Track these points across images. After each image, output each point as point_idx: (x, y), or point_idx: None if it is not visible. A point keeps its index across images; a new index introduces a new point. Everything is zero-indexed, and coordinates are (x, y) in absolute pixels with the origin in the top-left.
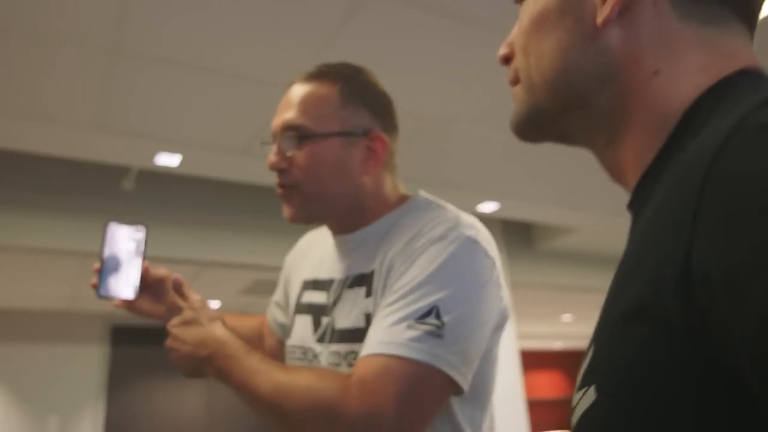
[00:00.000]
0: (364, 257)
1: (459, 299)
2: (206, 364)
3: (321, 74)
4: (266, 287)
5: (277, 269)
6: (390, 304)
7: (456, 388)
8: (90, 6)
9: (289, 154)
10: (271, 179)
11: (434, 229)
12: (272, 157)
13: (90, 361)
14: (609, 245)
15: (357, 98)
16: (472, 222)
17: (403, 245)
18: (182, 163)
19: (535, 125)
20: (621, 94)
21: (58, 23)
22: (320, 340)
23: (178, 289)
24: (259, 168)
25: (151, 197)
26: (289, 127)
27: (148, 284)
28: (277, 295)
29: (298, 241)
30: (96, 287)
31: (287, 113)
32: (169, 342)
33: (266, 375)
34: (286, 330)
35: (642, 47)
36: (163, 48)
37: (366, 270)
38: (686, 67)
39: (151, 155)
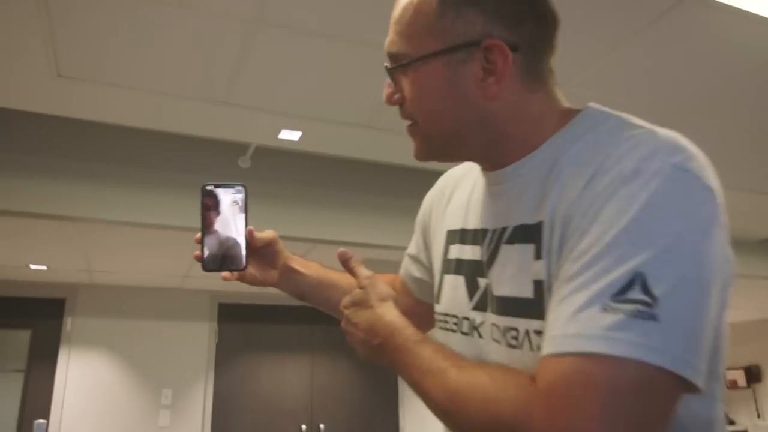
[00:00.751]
0: (526, 201)
1: (673, 259)
2: (378, 354)
3: None
4: (377, 266)
5: (391, 248)
6: (572, 278)
7: (687, 387)
8: None
9: (394, 87)
10: (390, 156)
11: (622, 159)
12: (385, 89)
13: (199, 337)
14: None
15: None
16: (676, 140)
17: (581, 188)
18: (301, 139)
19: None
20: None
21: None
22: (479, 307)
23: (346, 264)
24: (378, 143)
25: (267, 174)
26: (388, 55)
27: (255, 250)
28: (413, 248)
29: (439, 179)
30: (201, 259)
31: (388, 37)
32: (343, 324)
33: (439, 377)
34: (423, 286)
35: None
36: (301, 16)
37: (531, 220)
38: None
39: (276, 131)
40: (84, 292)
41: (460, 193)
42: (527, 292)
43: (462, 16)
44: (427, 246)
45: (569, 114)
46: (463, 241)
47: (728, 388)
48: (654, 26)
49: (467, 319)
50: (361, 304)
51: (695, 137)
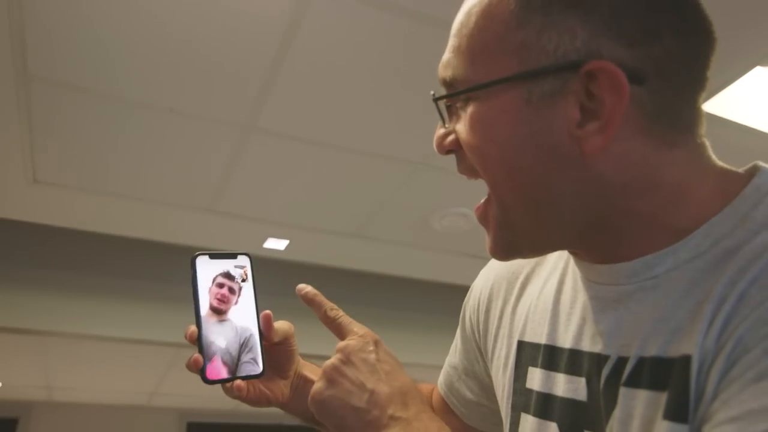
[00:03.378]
0: (663, 318)
1: None
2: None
3: None
4: None
5: None
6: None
7: None
8: (233, 84)
9: (448, 126)
10: (380, 266)
11: None
12: (437, 130)
13: None
14: None
15: None
16: None
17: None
18: (288, 247)
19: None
20: None
21: (195, 99)
22: None
23: (315, 303)
24: (368, 253)
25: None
26: (442, 82)
27: (269, 347)
28: (459, 357)
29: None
30: (200, 366)
31: (443, 57)
32: (329, 371)
33: None
34: (479, 412)
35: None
36: (294, 124)
37: (672, 353)
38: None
39: (261, 240)
40: (40, 411)
41: (538, 285)
42: None
43: (554, 25)
44: (483, 355)
45: (729, 181)
46: (551, 366)
47: None
48: None
49: None
50: (371, 363)
51: None
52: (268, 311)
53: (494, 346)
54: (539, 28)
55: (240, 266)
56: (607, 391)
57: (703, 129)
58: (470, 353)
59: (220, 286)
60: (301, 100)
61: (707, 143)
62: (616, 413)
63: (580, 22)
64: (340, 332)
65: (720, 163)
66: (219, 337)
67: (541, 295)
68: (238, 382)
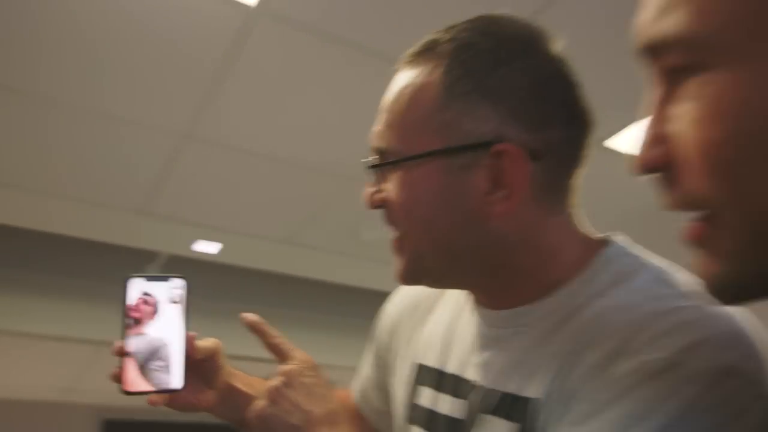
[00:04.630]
0: (522, 362)
1: None
2: None
3: (424, 50)
4: None
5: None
6: None
7: None
8: (175, 92)
9: (377, 186)
10: (314, 272)
11: (657, 341)
12: (366, 188)
13: None
14: None
15: (471, 85)
16: (732, 326)
17: (598, 366)
18: (222, 251)
19: None
20: None
21: (133, 104)
22: None
23: (261, 331)
24: (302, 259)
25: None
26: (375, 151)
27: (193, 364)
28: (370, 370)
29: (407, 287)
30: (120, 379)
31: (375, 126)
32: (273, 389)
33: None
34: (387, 420)
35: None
36: (231, 133)
37: (523, 392)
38: None
39: (190, 242)
40: None
41: (439, 315)
42: None
43: (470, 111)
44: (388, 371)
45: (591, 248)
46: (439, 387)
47: None
48: None
49: None
50: (308, 386)
51: None
52: (192, 333)
53: (397, 365)
54: (459, 112)
55: (174, 287)
56: (477, 415)
57: (575, 200)
58: (380, 368)
59: (144, 303)
60: (241, 111)
61: (578, 212)
62: (474, 428)
63: (492, 110)
64: (282, 357)
65: (582, 230)
66: (143, 353)
67: (440, 324)
68: (153, 396)
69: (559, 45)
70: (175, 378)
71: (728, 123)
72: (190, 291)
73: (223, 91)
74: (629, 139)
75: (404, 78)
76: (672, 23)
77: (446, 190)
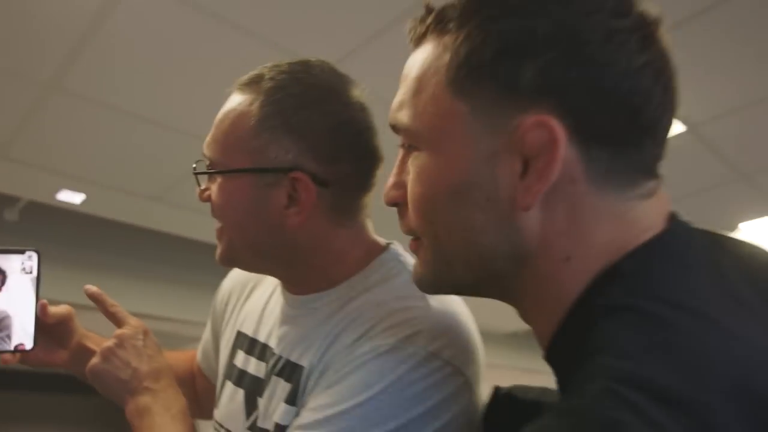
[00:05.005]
0: (306, 337)
1: None
2: (131, 399)
3: (251, 81)
4: (160, 339)
5: (172, 321)
6: (301, 428)
7: None
8: (44, 42)
9: (202, 186)
10: (184, 230)
11: (388, 331)
12: (199, 185)
13: None
14: None
15: (278, 121)
16: (443, 323)
17: (347, 345)
18: (85, 202)
19: (443, 290)
20: (535, 278)
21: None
22: (254, 428)
23: (100, 302)
24: (172, 217)
25: (38, 231)
26: (204, 156)
27: (47, 326)
28: (209, 333)
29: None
30: None
31: (208, 136)
32: (103, 353)
33: None
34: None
35: (556, 231)
36: (102, 89)
37: (300, 360)
38: (594, 246)
39: (53, 191)
40: None
41: (260, 293)
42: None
43: (276, 141)
44: (220, 336)
45: (372, 252)
46: (250, 352)
47: None
48: None
49: None
50: (138, 348)
51: None
52: (44, 301)
53: (226, 330)
54: (267, 141)
55: (28, 259)
56: (271, 376)
57: (366, 213)
58: (215, 333)
59: (2, 279)
60: (110, 68)
61: (367, 223)
62: (268, 390)
63: (293, 144)
64: (118, 323)
65: (373, 237)
66: None
67: (259, 300)
68: (5, 355)
69: (359, 92)
70: (27, 339)
71: (423, 186)
72: (53, 239)
73: (93, 47)
74: None
75: (232, 102)
76: (401, 116)
77: (253, 202)
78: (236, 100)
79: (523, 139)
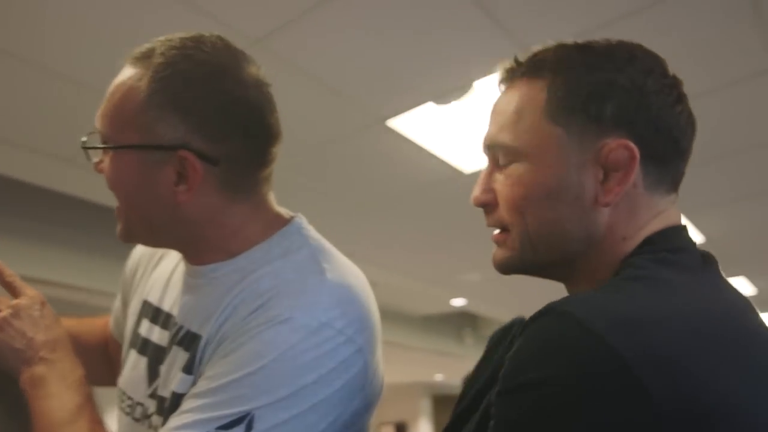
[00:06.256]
0: (206, 307)
1: (288, 408)
2: (22, 365)
3: (143, 56)
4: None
5: (84, 291)
6: (197, 396)
7: None
8: None
9: (95, 159)
10: (95, 195)
11: (284, 302)
12: (94, 157)
13: None
14: None
15: (166, 98)
16: (337, 294)
17: (244, 316)
18: None
19: (522, 270)
20: (598, 253)
21: None
22: (155, 398)
23: (9, 286)
24: (81, 180)
25: None
26: (95, 127)
27: None
28: (118, 303)
29: None
30: None
31: (100, 108)
32: (0, 319)
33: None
34: None
35: (619, 220)
36: (5, 39)
37: (199, 330)
38: (642, 230)
39: None
40: None
41: (167, 262)
42: (167, 399)
43: (164, 119)
44: (128, 304)
45: (274, 225)
46: (154, 320)
47: None
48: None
49: (141, 405)
50: (34, 318)
51: (381, 230)
52: None
53: (133, 299)
54: (155, 118)
55: None
56: (172, 345)
57: (266, 188)
58: (124, 302)
59: None
60: (21, 16)
61: (270, 197)
62: (168, 359)
63: (180, 122)
64: (14, 292)
65: (276, 210)
66: None
67: (165, 270)
68: None
69: (255, 69)
70: None
71: (523, 189)
72: None
73: None
74: (410, 121)
75: (123, 75)
76: (502, 138)
77: (142, 178)
78: (127, 73)
79: (608, 156)
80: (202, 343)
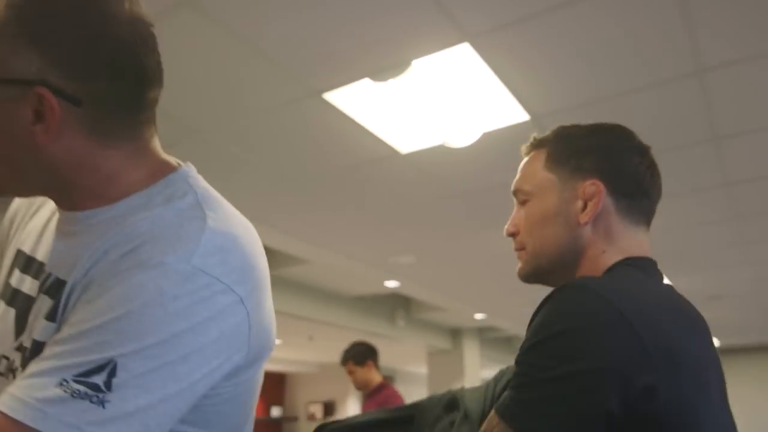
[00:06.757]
0: (74, 253)
1: (154, 356)
2: None
3: None
4: None
5: None
6: (56, 343)
7: None
8: None
9: None
10: None
11: (155, 247)
12: None
13: None
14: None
15: (19, 29)
16: (223, 238)
17: (113, 259)
18: None
19: (534, 277)
20: (585, 262)
21: None
22: (20, 350)
23: None
24: None
25: None
26: None
27: None
28: None
29: None
30: None
31: None
32: None
33: None
34: None
35: (598, 237)
36: None
37: (65, 276)
38: (618, 247)
39: None
40: None
41: (44, 212)
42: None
43: (18, 52)
44: (4, 256)
45: (159, 172)
46: (26, 270)
47: (308, 419)
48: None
49: (6, 358)
50: None
51: (315, 207)
52: None
53: (7, 250)
54: (8, 51)
55: None
56: (39, 294)
57: (148, 134)
58: (1, 254)
59: None
60: None
61: (154, 142)
62: (35, 309)
63: (37, 56)
64: None
65: (161, 157)
66: None
67: (41, 219)
68: None
69: (130, 5)
70: None
71: (531, 218)
72: None
73: None
74: (347, 96)
75: None
76: (524, 186)
77: None
78: None
79: (584, 191)
80: (67, 288)
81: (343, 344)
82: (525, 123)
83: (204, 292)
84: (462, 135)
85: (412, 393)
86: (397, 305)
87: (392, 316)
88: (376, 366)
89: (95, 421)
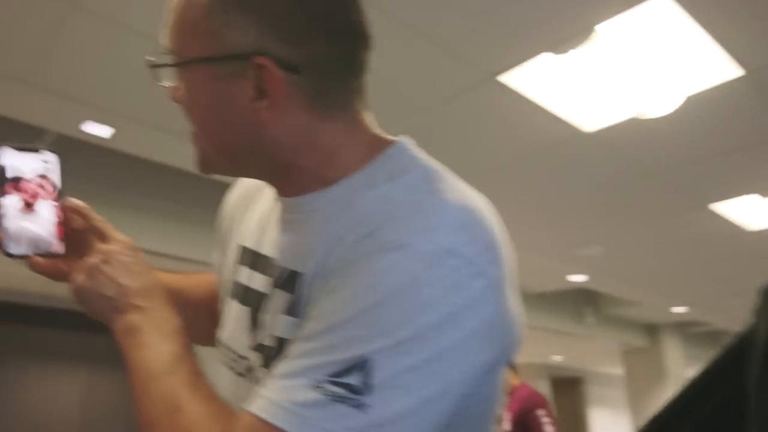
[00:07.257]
0: (306, 242)
1: (408, 352)
2: (120, 318)
3: None
4: None
5: (190, 262)
6: (303, 340)
7: None
8: None
9: (166, 84)
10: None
11: (398, 225)
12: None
13: None
14: None
15: None
16: (464, 216)
17: (351, 244)
18: (114, 136)
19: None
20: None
21: None
22: (258, 349)
23: (97, 229)
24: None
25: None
26: (164, 50)
27: (75, 233)
28: (216, 255)
29: (242, 179)
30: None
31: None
32: (90, 265)
33: (169, 383)
34: None
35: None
36: (119, 8)
37: (300, 268)
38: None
39: (77, 122)
40: None
41: (261, 204)
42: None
43: (232, 22)
44: (225, 254)
45: (376, 147)
46: (254, 266)
47: None
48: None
49: (245, 358)
50: (126, 263)
51: (490, 197)
52: (65, 200)
53: (230, 247)
54: (221, 23)
55: (45, 161)
56: (273, 289)
57: (362, 105)
58: (222, 253)
59: (16, 177)
60: None
61: (366, 116)
62: (270, 305)
63: (250, 23)
64: (103, 238)
65: (375, 131)
66: (17, 219)
67: (259, 211)
68: (36, 258)
69: None
70: (55, 242)
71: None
72: (78, 174)
73: None
74: (524, 76)
75: None
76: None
77: (215, 96)
78: None
79: None
80: (306, 280)
81: (527, 344)
82: (738, 79)
83: (455, 275)
84: (660, 103)
85: (607, 396)
86: (584, 301)
87: (579, 313)
88: (512, 369)
89: (355, 427)
